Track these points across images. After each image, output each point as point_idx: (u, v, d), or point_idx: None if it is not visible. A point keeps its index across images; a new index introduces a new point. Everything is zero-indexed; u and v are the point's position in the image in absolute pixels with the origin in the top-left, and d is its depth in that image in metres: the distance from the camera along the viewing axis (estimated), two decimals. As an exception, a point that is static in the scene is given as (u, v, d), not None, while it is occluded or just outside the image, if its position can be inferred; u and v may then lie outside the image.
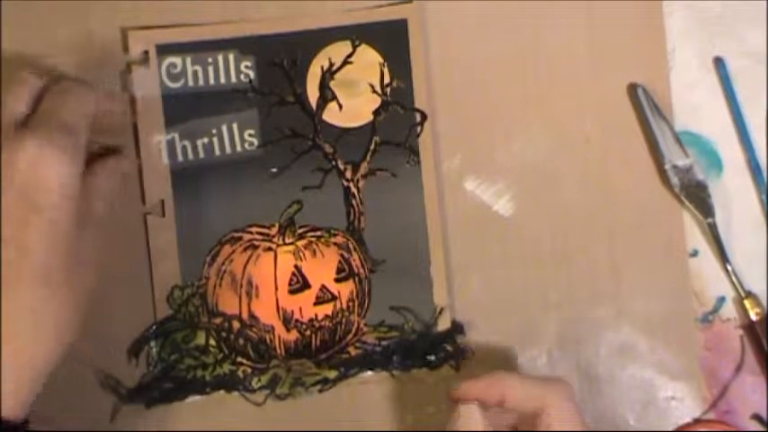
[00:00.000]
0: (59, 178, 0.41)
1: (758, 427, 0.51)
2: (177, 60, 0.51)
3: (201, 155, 0.51)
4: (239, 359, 0.50)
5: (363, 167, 0.51)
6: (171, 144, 0.50)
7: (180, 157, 0.51)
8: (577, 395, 0.43)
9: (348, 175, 0.51)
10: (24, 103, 0.43)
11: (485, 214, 0.52)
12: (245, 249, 0.50)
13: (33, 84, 0.44)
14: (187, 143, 0.51)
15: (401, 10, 0.52)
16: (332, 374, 0.51)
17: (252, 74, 0.51)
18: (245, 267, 0.50)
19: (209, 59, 0.51)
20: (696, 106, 0.53)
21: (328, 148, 0.51)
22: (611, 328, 0.52)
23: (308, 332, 0.50)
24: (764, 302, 0.52)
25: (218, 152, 0.51)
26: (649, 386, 0.52)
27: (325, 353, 0.51)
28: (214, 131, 0.51)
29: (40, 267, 0.40)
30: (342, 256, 0.51)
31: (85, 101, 0.44)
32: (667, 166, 0.52)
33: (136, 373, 0.50)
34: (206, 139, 0.51)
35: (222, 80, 0.51)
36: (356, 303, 0.51)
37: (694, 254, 0.52)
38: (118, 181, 0.47)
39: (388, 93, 0.51)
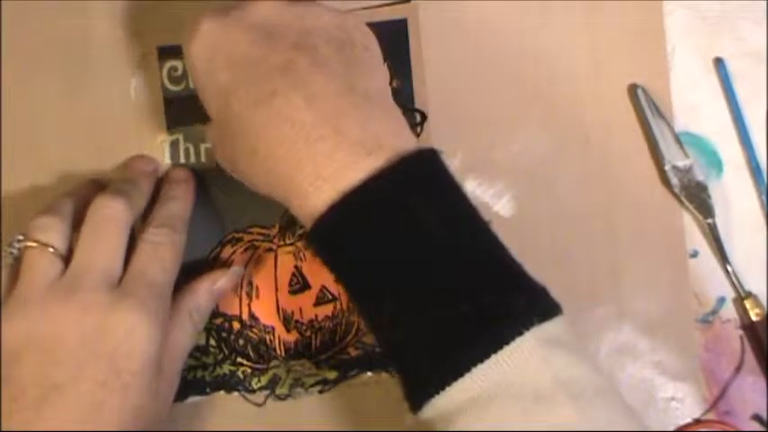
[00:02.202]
0: (148, 348, 0.42)
1: (758, 427, 0.51)
2: (178, 63, 0.51)
3: (203, 158, 0.51)
4: (239, 359, 0.50)
5: (364, 167, 0.51)
6: (175, 145, 0.51)
7: (182, 159, 0.51)
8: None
9: (349, 175, 0.51)
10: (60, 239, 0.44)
11: (485, 215, 0.51)
12: (246, 250, 0.51)
13: (64, 212, 0.45)
14: (190, 145, 0.51)
15: (401, 10, 0.52)
16: (332, 375, 0.51)
17: (252, 76, 0.51)
18: (245, 268, 0.50)
19: (210, 62, 0.51)
20: (696, 106, 0.52)
21: (329, 149, 0.51)
22: (611, 328, 0.52)
23: (308, 333, 0.51)
24: (764, 303, 0.51)
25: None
26: (649, 386, 0.51)
27: (325, 353, 0.51)
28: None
29: (115, 422, 0.41)
30: (342, 256, 0.51)
31: (178, 252, 0.45)
32: (667, 167, 0.51)
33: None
34: (208, 143, 0.51)
35: (222, 82, 0.51)
36: (356, 304, 0.51)
37: (694, 254, 0.52)
38: (214, 301, 0.48)
39: (388, 93, 0.52)
